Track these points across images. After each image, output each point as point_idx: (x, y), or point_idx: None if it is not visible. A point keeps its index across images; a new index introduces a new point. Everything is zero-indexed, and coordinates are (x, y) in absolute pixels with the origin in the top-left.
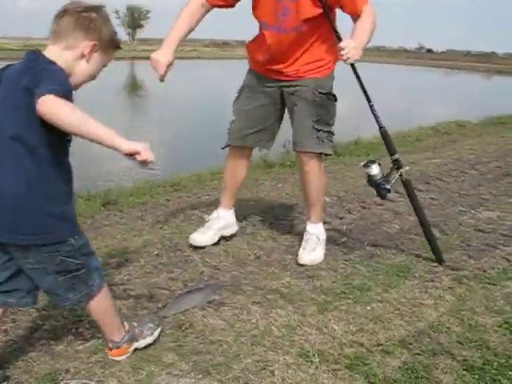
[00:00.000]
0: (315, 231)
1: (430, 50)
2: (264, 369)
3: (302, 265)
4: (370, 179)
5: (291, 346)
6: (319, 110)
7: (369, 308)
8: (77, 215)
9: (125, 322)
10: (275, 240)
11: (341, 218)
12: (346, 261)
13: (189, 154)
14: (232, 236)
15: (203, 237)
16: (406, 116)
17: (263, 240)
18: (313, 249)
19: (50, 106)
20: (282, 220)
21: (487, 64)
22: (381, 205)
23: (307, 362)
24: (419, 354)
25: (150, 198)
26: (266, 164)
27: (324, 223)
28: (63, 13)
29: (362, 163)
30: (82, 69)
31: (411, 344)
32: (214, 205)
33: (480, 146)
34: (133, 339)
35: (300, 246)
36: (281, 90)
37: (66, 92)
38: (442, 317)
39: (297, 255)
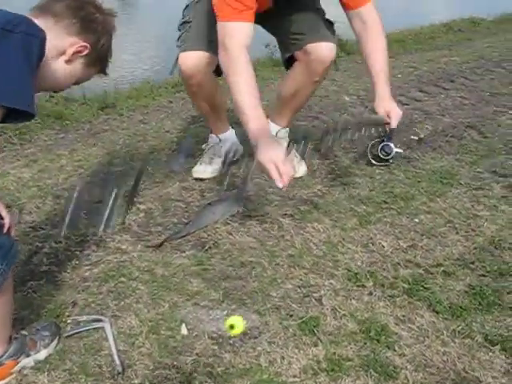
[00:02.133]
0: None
1: None
2: (308, 296)
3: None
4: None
5: (336, 267)
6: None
7: (417, 220)
8: (73, 120)
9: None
10: None
11: None
12: (382, 166)
13: None
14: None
15: (208, 170)
16: (409, 14)
17: None
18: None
19: None
20: (298, 121)
21: None
22: (407, 104)
23: (358, 286)
24: (484, 276)
25: (152, 100)
26: (273, 62)
27: None
28: None
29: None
30: (56, 68)
31: (473, 263)
32: None
33: (500, 43)
34: (21, 352)
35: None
36: None
37: None
38: (502, 231)
39: (326, 159)
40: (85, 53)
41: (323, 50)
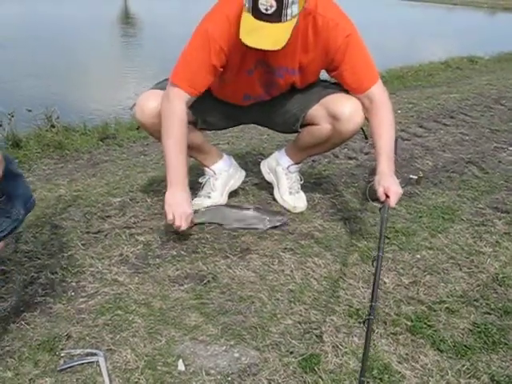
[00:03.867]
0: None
1: None
2: (308, 332)
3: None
4: None
5: (337, 303)
6: None
7: (419, 256)
8: (73, 150)
9: None
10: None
11: (366, 154)
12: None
13: None
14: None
15: (206, 203)
16: (410, 52)
17: None
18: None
19: None
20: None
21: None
22: (407, 139)
23: (360, 323)
24: (489, 313)
25: None
26: None
27: (350, 159)
28: None
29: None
30: None
31: (477, 300)
32: (223, 138)
33: (498, 81)
34: None
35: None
36: None
37: None
38: (506, 267)
39: (326, 193)
40: None
41: (349, 113)
